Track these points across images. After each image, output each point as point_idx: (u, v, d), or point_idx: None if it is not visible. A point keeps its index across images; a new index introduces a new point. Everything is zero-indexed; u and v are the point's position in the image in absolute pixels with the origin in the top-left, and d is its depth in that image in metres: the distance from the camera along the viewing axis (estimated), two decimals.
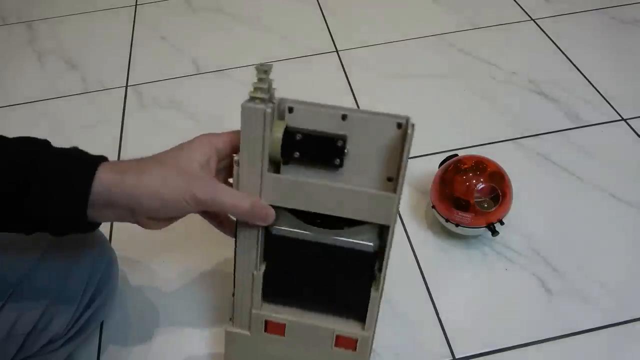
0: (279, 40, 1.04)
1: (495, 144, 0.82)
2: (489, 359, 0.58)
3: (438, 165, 0.70)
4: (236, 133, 0.42)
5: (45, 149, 0.40)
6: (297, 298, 0.47)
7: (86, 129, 0.89)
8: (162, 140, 0.88)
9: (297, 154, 0.41)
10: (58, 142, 0.42)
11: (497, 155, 0.68)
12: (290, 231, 0.44)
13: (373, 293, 0.45)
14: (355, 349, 0.48)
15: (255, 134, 0.39)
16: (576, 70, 0.93)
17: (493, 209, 0.63)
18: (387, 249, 0.43)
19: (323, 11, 1.12)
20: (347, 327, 0.47)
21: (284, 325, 0.47)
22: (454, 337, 0.60)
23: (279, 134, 0.40)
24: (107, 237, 0.70)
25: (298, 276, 0.47)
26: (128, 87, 0.97)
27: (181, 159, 0.42)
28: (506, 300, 0.63)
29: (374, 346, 0.60)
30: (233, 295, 0.47)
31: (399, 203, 0.42)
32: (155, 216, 0.42)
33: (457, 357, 0.58)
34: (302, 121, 0.41)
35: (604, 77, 0.91)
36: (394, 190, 0.41)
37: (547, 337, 0.59)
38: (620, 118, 0.84)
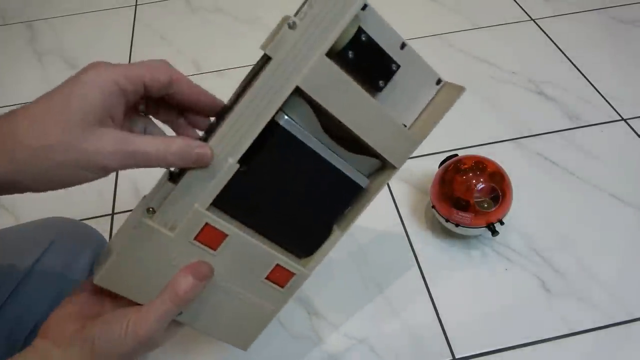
0: None
1: (495, 144, 0.82)
2: (489, 359, 0.58)
3: (438, 165, 0.70)
4: (141, 68, 0.33)
5: None
6: (252, 213, 0.39)
7: None
8: None
9: (351, 54, 0.36)
10: None
11: (497, 155, 0.68)
12: (302, 131, 0.37)
13: (336, 231, 0.43)
14: (283, 286, 0.42)
15: (341, 11, 0.34)
16: (576, 70, 0.93)
17: (493, 209, 0.63)
18: (372, 195, 0.42)
19: None
20: (290, 260, 0.41)
21: (223, 237, 0.37)
22: (454, 337, 0.60)
23: (354, 26, 0.36)
24: (107, 237, 0.70)
25: (271, 186, 0.39)
26: None
27: (71, 112, 0.31)
28: (506, 300, 0.63)
29: (373, 346, 0.60)
30: (170, 178, 0.36)
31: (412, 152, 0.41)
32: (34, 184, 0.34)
33: (457, 357, 0.58)
34: (366, 26, 0.37)
35: (604, 77, 0.91)
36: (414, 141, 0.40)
37: (547, 337, 0.59)
38: (620, 118, 0.84)
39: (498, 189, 0.63)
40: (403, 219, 0.72)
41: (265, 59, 0.35)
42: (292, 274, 0.42)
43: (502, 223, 0.64)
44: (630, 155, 0.78)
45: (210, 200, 0.36)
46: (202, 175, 0.35)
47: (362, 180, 0.41)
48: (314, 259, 0.43)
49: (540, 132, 0.83)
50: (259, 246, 0.39)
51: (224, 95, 0.40)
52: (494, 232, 0.64)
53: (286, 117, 0.36)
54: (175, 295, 0.35)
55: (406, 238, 0.70)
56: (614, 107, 0.86)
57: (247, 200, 0.38)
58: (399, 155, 0.40)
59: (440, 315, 0.62)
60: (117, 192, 0.78)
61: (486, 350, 0.59)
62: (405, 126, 0.41)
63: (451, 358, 0.58)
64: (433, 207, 0.68)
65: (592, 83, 0.91)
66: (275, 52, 0.33)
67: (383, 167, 0.42)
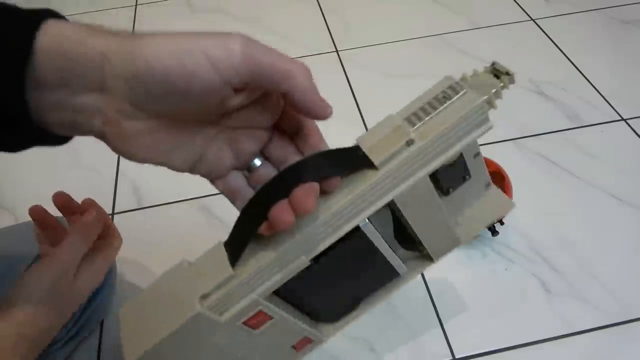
0: (279, 40, 1.04)
1: (495, 144, 0.82)
2: (489, 359, 0.58)
3: None
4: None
5: None
6: (297, 297, 0.40)
7: None
8: None
9: (440, 170, 0.35)
10: None
11: (497, 155, 0.68)
12: (378, 236, 0.36)
13: (362, 307, 0.44)
14: (299, 350, 0.43)
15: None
16: (576, 70, 0.93)
17: None
18: (404, 282, 0.43)
19: (323, 11, 1.12)
20: (315, 330, 0.42)
21: (269, 319, 0.37)
22: (454, 337, 0.60)
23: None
24: None
25: (324, 278, 0.38)
26: None
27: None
28: (506, 300, 0.63)
29: (373, 346, 0.60)
30: (233, 265, 0.32)
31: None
32: (143, 98, 0.25)
33: (457, 357, 0.58)
34: None
35: (604, 77, 0.91)
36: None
37: (547, 337, 0.59)
38: (620, 118, 0.84)
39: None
40: None
41: (359, 155, 0.32)
42: (312, 341, 0.42)
43: (502, 223, 0.64)
44: (630, 155, 0.78)
45: (270, 292, 0.34)
46: (270, 269, 0.32)
47: (401, 269, 0.42)
48: (334, 328, 0.44)
49: (540, 132, 0.83)
50: (297, 324, 0.39)
51: None
52: (494, 232, 0.64)
53: (367, 221, 0.34)
54: None
55: None
56: (614, 107, 0.86)
57: (298, 289, 0.37)
58: (441, 252, 0.41)
59: (440, 315, 0.62)
60: (117, 192, 0.78)
61: (486, 350, 0.59)
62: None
63: (451, 358, 0.58)
64: None
65: (592, 83, 0.90)
66: (384, 165, 0.31)
67: (421, 256, 0.43)
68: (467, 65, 0.96)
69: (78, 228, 0.45)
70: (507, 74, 0.34)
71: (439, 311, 0.62)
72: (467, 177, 0.39)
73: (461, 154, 0.37)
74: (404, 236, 0.40)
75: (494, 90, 0.34)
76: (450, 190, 0.39)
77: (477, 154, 0.38)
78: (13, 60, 0.23)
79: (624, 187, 0.74)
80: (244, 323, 0.35)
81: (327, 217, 0.31)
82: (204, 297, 0.32)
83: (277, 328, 0.38)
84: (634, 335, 0.59)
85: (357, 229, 0.34)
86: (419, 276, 0.66)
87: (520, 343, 0.59)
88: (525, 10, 1.08)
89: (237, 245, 0.32)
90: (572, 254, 0.67)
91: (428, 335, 0.60)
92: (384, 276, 0.43)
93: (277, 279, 0.33)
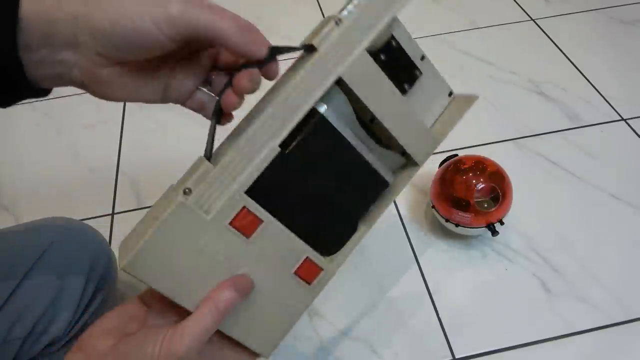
0: (279, 40, 1.03)
1: (495, 144, 0.82)
2: (489, 359, 0.58)
3: (438, 165, 0.70)
4: None
5: None
6: (283, 205, 0.38)
7: (86, 129, 0.89)
8: (162, 140, 0.88)
9: (383, 57, 0.40)
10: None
11: (497, 155, 0.68)
12: (339, 121, 0.38)
13: (362, 227, 0.43)
14: (310, 283, 0.41)
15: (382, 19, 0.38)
16: (576, 70, 0.93)
17: (493, 209, 0.63)
18: (395, 192, 0.44)
19: (323, 11, 1.12)
20: (318, 255, 0.41)
21: (258, 223, 0.36)
22: (454, 337, 0.60)
23: (386, 34, 0.40)
24: (107, 237, 0.70)
25: (303, 177, 0.38)
26: None
27: None
28: (506, 300, 0.63)
29: (373, 346, 0.60)
30: (209, 158, 0.35)
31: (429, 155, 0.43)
32: (109, 50, 0.31)
33: (457, 357, 0.58)
34: (396, 34, 0.41)
35: (604, 77, 0.91)
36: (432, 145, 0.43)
37: (547, 337, 0.59)
38: (620, 118, 0.84)
39: (498, 189, 0.63)
40: (403, 219, 0.72)
41: (307, 53, 0.36)
42: (320, 270, 0.41)
43: (502, 223, 0.64)
44: (630, 155, 0.78)
45: (250, 183, 0.35)
46: (242, 157, 0.34)
47: (388, 176, 0.43)
48: (341, 256, 0.43)
49: (540, 132, 0.83)
50: (291, 236, 0.39)
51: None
52: (494, 232, 0.64)
53: (325, 106, 0.37)
54: (216, 309, 0.33)
55: (406, 238, 0.70)
56: (614, 107, 0.86)
57: (279, 190, 0.38)
58: (422, 152, 0.42)
59: (440, 315, 0.62)
60: (117, 192, 0.78)
61: (486, 350, 0.59)
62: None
63: (451, 358, 0.58)
64: (433, 207, 0.68)
65: (592, 83, 0.91)
66: (320, 44, 0.35)
67: (406, 164, 0.44)
68: (467, 65, 0.96)
69: (213, 300, 0.34)
70: None
71: (438, 311, 0.62)
72: (418, 72, 0.42)
73: (402, 48, 0.41)
74: (375, 132, 0.41)
75: None
76: (406, 87, 0.41)
77: (423, 56, 0.42)
78: (4, 29, 0.29)
79: (624, 187, 0.74)
80: (233, 225, 0.35)
81: (281, 98, 0.35)
82: (186, 192, 0.34)
83: (270, 240, 0.38)
84: (634, 335, 0.59)
85: (316, 113, 0.37)
86: (420, 277, 0.66)
87: (520, 343, 0.59)
88: (525, 10, 1.08)
89: (209, 143, 0.36)
90: (572, 254, 0.67)
91: (428, 335, 0.60)
92: (372, 187, 0.43)
93: (254, 165, 0.35)
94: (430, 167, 0.72)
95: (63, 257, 0.50)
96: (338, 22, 0.35)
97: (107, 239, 0.65)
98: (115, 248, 0.59)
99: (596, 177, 0.76)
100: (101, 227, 0.64)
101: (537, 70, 0.93)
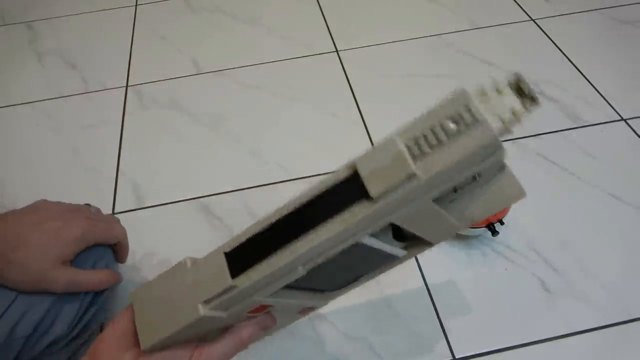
0: (279, 40, 1.04)
1: None
2: (489, 359, 0.58)
3: None
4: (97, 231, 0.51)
5: None
6: (296, 283, 0.38)
7: (86, 129, 0.89)
8: (162, 140, 0.88)
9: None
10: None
11: None
12: (373, 240, 0.36)
13: (362, 278, 0.46)
14: (306, 315, 0.48)
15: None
16: (576, 70, 0.93)
17: None
18: (401, 262, 0.44)
19: (323, 11, 1.13)
20: (314, 302, 0.44)
21: (270, 307, 0.39)
22: (454, 337, 0.60)
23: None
24: None
25: (325, 271, 0.38)
26: (128, 87, 0.97)
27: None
28: (506, 300, 0.63)
29: (373, 346, 0.60)
30: (233, 277, 0.34)
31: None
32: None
33: (457, 357, 0.58)
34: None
35: (604, 77, 0.91)
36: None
37: (547, 337, 0.59)
38: (620, 118, 0.84)
39: None
40: None
41: (353, 178, 0.30)
42: (313, 308, 0.45)
43: (502, 223, 0.64)
44: (630, 155, 0.78)
45: (271, 292, 0.35)
46: (267, 277, 0.33)
47: (400, 253, 0.42)
48: (331, 297, 0.46)
49: (540, 132, 0.83)
50: (297, 303, 0.41)
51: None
52: (494, 232, 0.64)
53: (367, 236, 0.33)
54: (240, 340, 0.38)
55: None
56: (614, 107, 0.86)
57: (298, 281, 0.36)
58: (442, 239, 0.42)
59: (440, 315, 0.62)
60: (117, 192, 0.78)
61: (486, 350, 0.59)
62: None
63: (451, 358, 0.58)
64: None
65: (592, 83, 0.91)
66: (382, 198, 0.29)
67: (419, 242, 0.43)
68: (467, 65, 0.96)
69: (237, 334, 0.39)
70: (532, 99, 0.29)
71: (439, 311, 0.62)
72: (477, 177, 0.37)
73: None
74: (403, 236, 0.41)
75: (513, 118, 0.29)
76: (458, 189, 0.38)
77: (502, 166, 0.38)
78: None
79: (624, 187, 0.74)
80: (248, 313, 0.38)
81: (320, 237, 0.31)
82: (207, 302, 0.34)
83: (281, 308, 0.41)
84: (634, 335, 0.59)
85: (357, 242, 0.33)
86: (419, 277, 0.66)
87: (520, 343, 0.59)
88: (525, 10, 1.08)
89: (240, 263, 0.34)
90: (572, 253, 0.67)
91: (428, 335, 0.60)
92: (382, 261, 0.43)
93: (276, 286, 0.34)
94: None
95: None
96: (411, 177, 0.28)
97: None
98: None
99: (596, 177, 0.76)
100: None
101: (537, 70, 0.93)
